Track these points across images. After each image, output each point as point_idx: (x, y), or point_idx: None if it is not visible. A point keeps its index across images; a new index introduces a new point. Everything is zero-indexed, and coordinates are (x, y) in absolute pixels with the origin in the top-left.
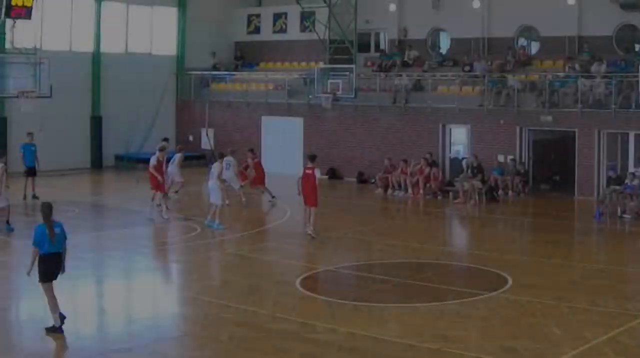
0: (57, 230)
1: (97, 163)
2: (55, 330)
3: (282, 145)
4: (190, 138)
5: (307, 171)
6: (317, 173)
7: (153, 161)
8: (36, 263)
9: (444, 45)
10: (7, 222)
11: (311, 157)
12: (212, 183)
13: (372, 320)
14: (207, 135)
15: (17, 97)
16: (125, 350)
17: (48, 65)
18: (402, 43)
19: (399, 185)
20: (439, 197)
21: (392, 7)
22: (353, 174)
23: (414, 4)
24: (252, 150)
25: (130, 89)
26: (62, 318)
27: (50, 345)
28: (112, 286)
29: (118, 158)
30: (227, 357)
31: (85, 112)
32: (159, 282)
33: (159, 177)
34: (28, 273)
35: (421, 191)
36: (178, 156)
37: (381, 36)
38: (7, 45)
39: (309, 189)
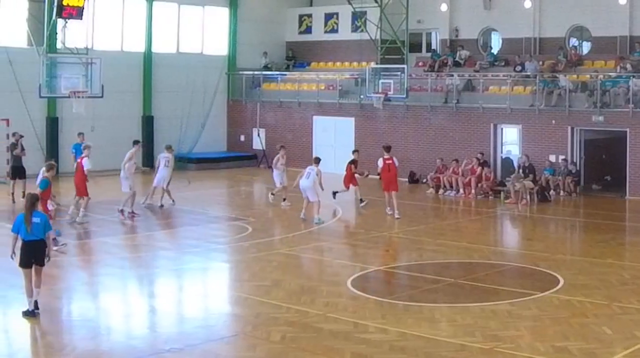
0: (35, 220)
1: (148, 163)
2: (30, 314)
3: (334, 145)
4: (242, 138)
5: (387, 161)
6: (396, 161)
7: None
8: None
9: (496, 45)
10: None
11: (387, 148)
12: (309, 182)
13: (423, 320)
14: (258, 135)
15: (68, 97)
16: (176, 350)
17: (99, 65)
18: (454, 43)
19: (451, 185)
20: (491, 197)
21: (444, 7)
22: (405, 174)
23: (466, 4)
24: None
25: (182, 88)
26: (36, 305)
27: (102, 344)
28: (164, 286)
29: None
30: (279, 357)
31: (136, 112)
32: (210, 281)
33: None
34: (11, 257)
35: (473, 191)
36: (280, 154)
37: (432, 36)
38: (59, 45)
39: (390, 177)
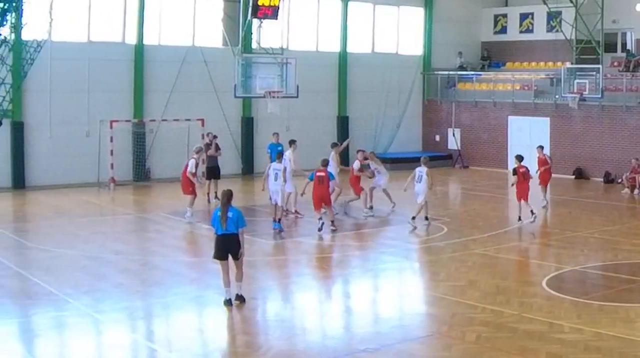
0: (229, 215)
1: (343, 163)
2: (229, 303)
3: (529, 145)
4: (437, 138)
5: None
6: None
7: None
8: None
9: None
10: (279, 220)
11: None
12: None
13: (618, 320)
14: (453, 135)
15: (263, 97)
16: (372, 350)
17: (294, 65)
18: None
19: None
20: None
21: (639, 7)
22: (600, 174)
23: None
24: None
25: (377, 88)
26: (241, 299)
27: (297, 344)
28: (359, 286)
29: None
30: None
31: (331, 112)
32: (406, 281)
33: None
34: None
35: None
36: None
37: (628, 36)
38: (254, 45)
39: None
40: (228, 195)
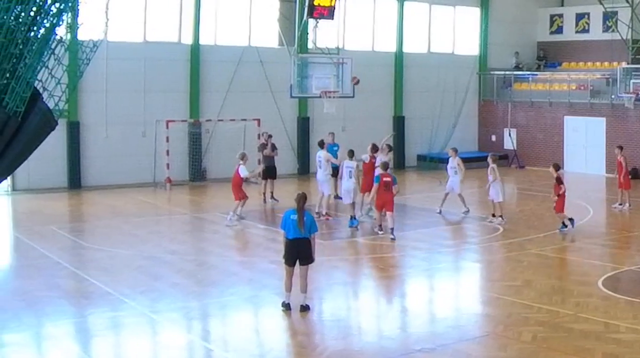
0: (304, 219)
1: (399, 163)
2: (287, 306)
3: (585, 145)
4: (493, 138)
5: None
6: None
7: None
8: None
9: None
10: (352, 216)
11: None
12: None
13: None
14: (509, 135)
15: (319, 97)
16: (428, 350)
17: (350, 65)
18: None
19: None
20: None
21: None
22: None
23: None
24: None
25: (433, 88)
26: (306, 308)
27: (353, 344)
28: (414, 286)
29: (420, 158)
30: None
31: (387, 112)
32: (461, 281)
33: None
34: (283, 257)
35: None
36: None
37: None
38: (310, 45)
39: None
40: (304, 199)
